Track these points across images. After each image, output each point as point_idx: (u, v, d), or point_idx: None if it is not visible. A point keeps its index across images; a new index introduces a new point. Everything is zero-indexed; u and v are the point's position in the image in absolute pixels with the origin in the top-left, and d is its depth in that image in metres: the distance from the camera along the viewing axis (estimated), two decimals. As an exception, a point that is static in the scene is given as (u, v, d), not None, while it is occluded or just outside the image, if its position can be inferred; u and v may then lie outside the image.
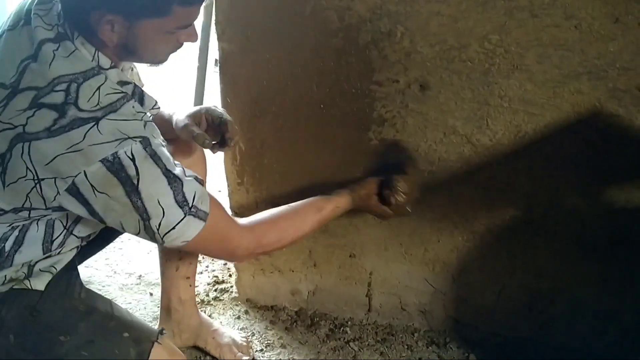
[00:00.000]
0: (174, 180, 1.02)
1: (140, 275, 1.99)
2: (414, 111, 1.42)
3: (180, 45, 1.11)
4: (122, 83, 1.05)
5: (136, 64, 2.39)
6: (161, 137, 1.04)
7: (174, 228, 1.04)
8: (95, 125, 0.96)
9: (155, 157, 1.00)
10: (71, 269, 1.21)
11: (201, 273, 1.99)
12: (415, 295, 1.70)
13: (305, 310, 1.81)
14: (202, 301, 1.85)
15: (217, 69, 1.55)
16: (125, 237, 1.40)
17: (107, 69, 1.03)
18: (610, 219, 1.42)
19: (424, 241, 1.61)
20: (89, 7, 0.97)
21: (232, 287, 1.92)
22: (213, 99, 1.59)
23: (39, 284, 1.12)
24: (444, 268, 1.63)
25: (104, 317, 1.14)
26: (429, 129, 1.43)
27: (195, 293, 1.70)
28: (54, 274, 1.13)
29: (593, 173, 1.38)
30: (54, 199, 0.98)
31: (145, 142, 0.99)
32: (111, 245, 1.39)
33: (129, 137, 0.97)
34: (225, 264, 2.03)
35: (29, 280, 1.10)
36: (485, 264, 1.58)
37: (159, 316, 1.66)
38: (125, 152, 0.97)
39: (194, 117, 1.30)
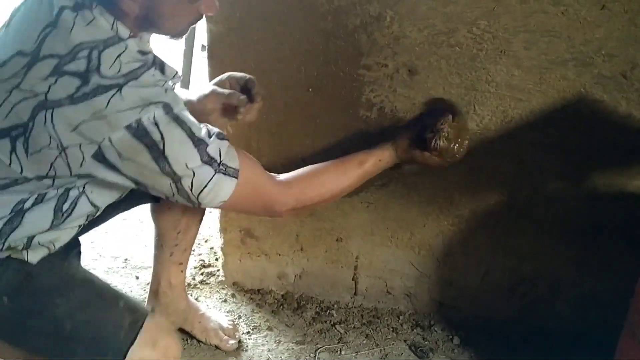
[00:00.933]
0: (199, 142, 1.04)
1: (126, 259, 1.98)
2: (402, 95, 1.42)
3: (200, 16, 1.10)
4: (142, 53, 1.04)
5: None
6: (183, 103, 1.05)
7: (206, 186, 1.06)
8: (119, 92, 0.96)
9: (179, 121, 1.01)
10: (72, 247, 1.21)
11: (187, 257, 1.99)
12: (400, 278, 1.72)
13: (291, 294, 1.82)
14: (189, 285, 1.85)
15: (205, 54, 1.54)
16: (111, 220, 1.39)
17: (126, 39, 1.02)
18: (592, 204, 1.45)
19: (410, 225, 1.62)
20: None
21: (218, 270, 1.92)
22: (200, 84, 1.58)
23: (36, 257, 1.10)
24: (429, 252, 1.65)
25: (100, 287, 1.15)
26: (415, 113, 1.44)
27: (183, 277, 1.70)
28: (51, 251, 1.12)
29: (577, 159, 1.40)
30: (81, 165, 0.98)
31: (167, 107, 1.00)
32: (97, 228, 1.38)
33: (152, 103, 0.98)
34: (212, 248, 2.03)
35: (27, 252, 1.09)
36: (470, 248, 1.60)
37: (146, 299, 1.66)
38: (149, 118, 0.97)
39: (219, 84, 1.32)
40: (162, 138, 0.99)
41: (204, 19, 1.44)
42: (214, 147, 1.06)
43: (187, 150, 1.02)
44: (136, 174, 1.02)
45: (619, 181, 1.41)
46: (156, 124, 0.98)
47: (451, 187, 1.53)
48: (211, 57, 1.50)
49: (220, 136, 1.09)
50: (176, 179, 1.03)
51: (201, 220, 1.57)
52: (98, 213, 1.16)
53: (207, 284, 1.88)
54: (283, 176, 1.25)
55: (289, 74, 1.47)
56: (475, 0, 1.28)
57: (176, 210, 1.49)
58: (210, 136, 1.07)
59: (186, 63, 2.29)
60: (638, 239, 1.24)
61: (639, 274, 1.15)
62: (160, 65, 1.06)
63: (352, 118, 1.48)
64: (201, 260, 1.98)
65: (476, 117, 1.41)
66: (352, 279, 1.76)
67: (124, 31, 1.02)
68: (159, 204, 1.49)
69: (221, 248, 1.82)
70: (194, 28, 2.40)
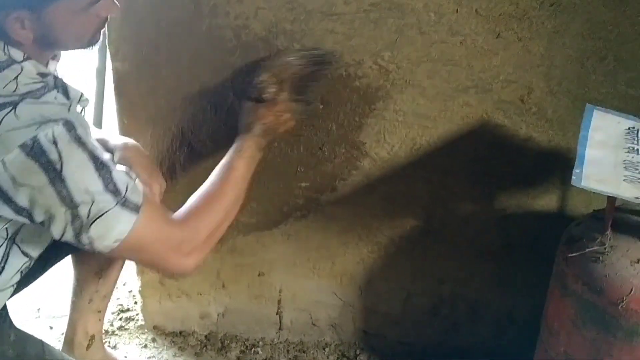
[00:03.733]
0: (102, 167, 0.94)
1: (39, 308, 1.88)
2: (313, 126, 1.44)
3: (104, 20, 1.06)
4: (42, 75, 0.98)
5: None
6: (89, 128, 0.97)
7: (103, 215, 0.94)
8: (13, 110, 0.89)
9: (81, 142, 0.93)
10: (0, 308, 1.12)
11: (105, 302, 1.91)
12: (325, 309, 1.71)
13: (215, 334, 1.77)
14: (107, 331, 1.77)
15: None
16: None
17: (21, 62, 0.96)
18: (502, 224, 1.50)
19: (331, 254, 1.63)
20: None
21: (137, 314, 1.84)
22: (112, 122, 1.54)
23: None
24: (351, 280, 1.65)
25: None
26: (330, 144, 1.46)
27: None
28: None
29: (484, 181, 1.46)
30: None
31: (69, 126, 0.92)
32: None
33: (51, 120, 0.90)
34: (131, 291, 1.95)
35: None
36: (390, 274, 1.62)
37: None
38: (46, 135, 0.89)
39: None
40: (60, 158, 0.90)
41: (109, 62, 1.43)
42: (120, 177, 0.98)
43: (88, 173, 0.93)
44: (30, 202, 0.92)
45: (525, 201, 1.47)
46: (55, 142, 0.90)
47: (368, 215, 1.54)
48: (119, 96, 1.46)
49: (128, 173, 1.02)
50: (72, 206, 0.92)
51: (123, 264, 1.52)
52: (31, 264, 1.09)
53: (126, 329, 1.81)
54: (178, 219, 1.11)
55: (200, 110, 1.45)
56: (378, 33, 1.32)
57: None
58: (115, 163, 0.99)
59: (98, 101, 2.22)
60: (547, 257, 1.29)
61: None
62: (63, 88, 0.99)
63: (266, 150, 1.48)
64: (119, 304, 1.90)
65: (387, 145, 1.44)
66: (277, 314, 1.74)
67: (17, 54, 0.97)
68: None
69: (139, 291, 1.76)
70: (104, 65, 2.35)
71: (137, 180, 1.04)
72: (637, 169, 1.02)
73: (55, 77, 1.01)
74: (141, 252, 1.04)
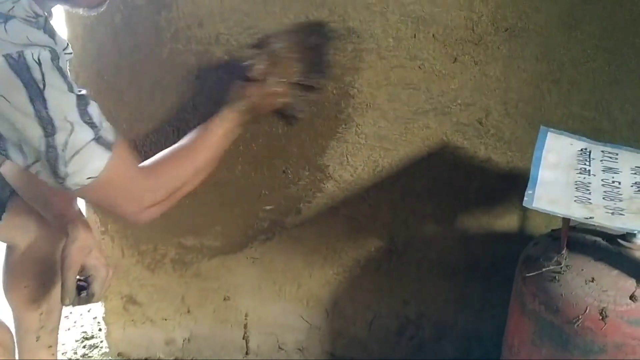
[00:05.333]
0: (80, 99, 0.94)
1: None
2: (277, 148, 1.45)
3: None
4: (36, 14, 0.95)
5: None
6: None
7: (80, 151, 0.93)
8: (3, 24, 0.87)
9: (62, 73, 0.92)
10: None
11: (69, 329, 1.87)
12: (291, 333, 1.70)
13: None
14: (69, 360, 1.74)
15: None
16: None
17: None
18: (465, 245, 1.52)
19: (296, 277, 1.62)
20: None
21: (102, 342, 1.81)
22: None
23: None
24: (317, 303, 1.65)
25: None
26: (293, 167, 1.47)
27: (63, 351, 1.59)
28: None
29: (446, 202, 1.47)
30: None
31: (54, 55, 0.91)
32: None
33: (38, 45, 0.89)
34: (95, 318, 1.92)
35: None
36: (356, 295, 1.62)
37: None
38: (32, 55, 0.88)
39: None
40: (43, 79, 0.89)
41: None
42: (95, 112, 0.97)
43: (67, 101, 0.92)
44: (4, 120, 0.90)
45: (487, 221, 1.49)
46: (39, 63, 0.89)
47: (333, 237, 1.55)
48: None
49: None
50: (49, 131, 0.90)
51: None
52: None
53: (90, 357, 1.77)
54: (145, 167, 1.10)
55: (162, 135, 1.45)
56: (340, 58, 1.34)
57: (32, 286, 1.38)
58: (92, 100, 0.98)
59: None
60: (510, 276, 1.31)
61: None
62: (51, 32, 0.97)
63: (230, 174, 1.48)
64: (83, 332, 1.87)
65: (350, 168, 1.45)
66: (243, 338, 1.72)
67: None
68: (9, 280, 1.38)
69: (103, 317, 1.73)
70: None
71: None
72: (587, 190, 1.04)
73: (47, 20, 0.98)
74: (105, 195, 1.02)
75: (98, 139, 0.96)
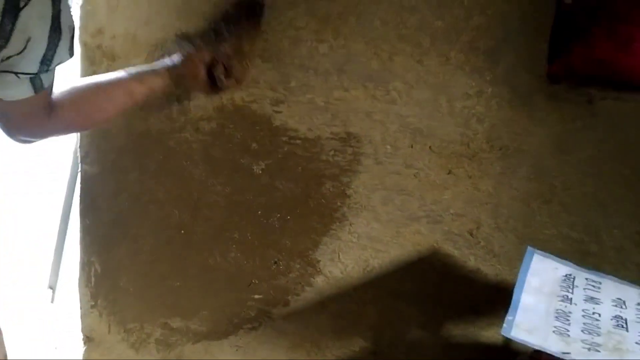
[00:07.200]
0: (56, 32, 0.92)
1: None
2: (272, 240, 1.47)
3: None
4: None
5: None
6: None
7: (13, 74, 0.93)
8: None
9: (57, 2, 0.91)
10: None
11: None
12: None
13: None
14: None
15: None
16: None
17: None
18: (449, 353, 1.51)
19: (279, 370, 1.61)
20: None
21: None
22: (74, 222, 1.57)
23: None
24: (298, 399, 1.63)
25: None
26: (285, 259, 1.49)
27: None
28: None
29: (432, 308, 1.48)
30: None
31: None
32: None
33: None
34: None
35: None
36: (336, 394, 1.60)
37: None
38: None
39: None
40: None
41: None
42: (59, 57, 0.96)
43: (42, 30, 0.90)
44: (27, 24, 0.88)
45: (472, 331, 1.49)
46: None
47: (318, 332, 1.55)
48: (84, 196, 1.50)
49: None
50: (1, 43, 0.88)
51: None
52: None
53: None
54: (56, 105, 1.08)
55: (162, 215, 1.49)
56: (338, 159, 1.38)
57: None
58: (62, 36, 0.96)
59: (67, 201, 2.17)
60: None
61: None
62: None
63: (224, 258, 1.50)
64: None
65: (340, 265, 1.47)
66: None
67: None
68: None
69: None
70: (77, 167, 2.34)
71: None
72: (567, 320, 1.05)
73: None
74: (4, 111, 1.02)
75: (33, 79, 0.96)
